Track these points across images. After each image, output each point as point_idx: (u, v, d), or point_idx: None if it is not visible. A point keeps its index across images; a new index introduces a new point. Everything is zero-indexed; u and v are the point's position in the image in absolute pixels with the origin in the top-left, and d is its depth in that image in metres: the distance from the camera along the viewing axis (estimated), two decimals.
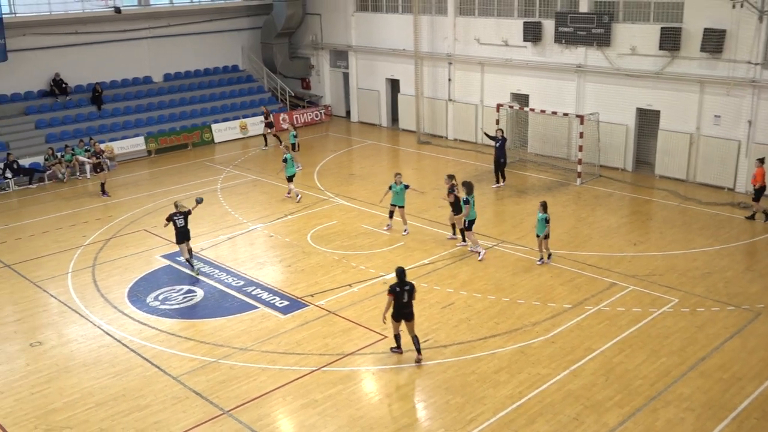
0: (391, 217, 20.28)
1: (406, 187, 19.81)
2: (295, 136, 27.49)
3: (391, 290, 13.12)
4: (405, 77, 32.73)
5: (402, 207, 19.92)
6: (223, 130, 32.62)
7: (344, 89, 36.57)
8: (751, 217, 20.62)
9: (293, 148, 26.99)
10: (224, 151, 30.59)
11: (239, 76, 36.68)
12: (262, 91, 36.58)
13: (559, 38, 26.51)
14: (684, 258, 18.00)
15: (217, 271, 18.20)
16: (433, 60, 31.39)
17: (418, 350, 13.50)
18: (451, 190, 18.96)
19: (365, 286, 16.97)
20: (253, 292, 16.88)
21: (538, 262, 17.85)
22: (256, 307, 16.13)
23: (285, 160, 23.52)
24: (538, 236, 17.74)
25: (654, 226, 20.48)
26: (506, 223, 20.67)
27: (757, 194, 20.46)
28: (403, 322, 13.38)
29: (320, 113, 36.06)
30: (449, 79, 31.01)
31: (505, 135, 24.75)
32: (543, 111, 26.19)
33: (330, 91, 37.17)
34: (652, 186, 24.00)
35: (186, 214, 17.85)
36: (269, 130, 30.89)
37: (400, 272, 13.17)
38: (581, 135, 24.37)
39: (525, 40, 27.49)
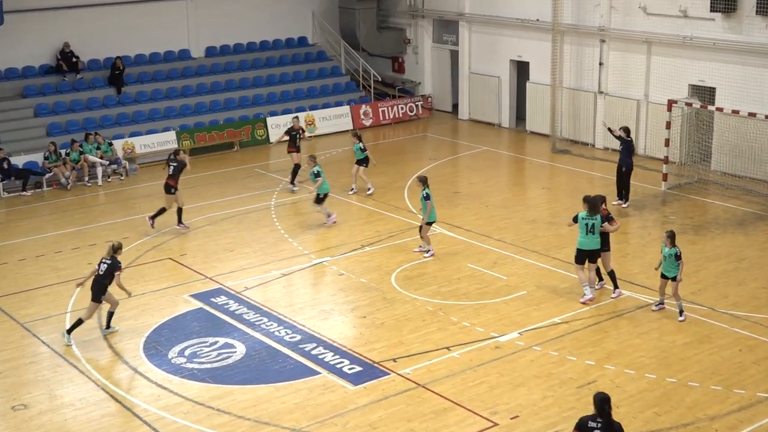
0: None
1: (427, 197, 20.89)
2: (363, 150, 26.10)
3: (580, 425, 11.39)
4: (537, 59, 32.63)
5: (428, 223, 21.24)
6: (282, 126, 33.19)
7: (451, 74, 36.75)
8: None
9: (363, 164, 26.22)
10: (283, 155, 31.08)
11: (307, 52, 37.37)
12: (338, 74, 37.12)
13: (764, 8, 25.93)
14: None
15: (265, 319, 18.41)
16: (579, 36, 31.17)
17: None
18: (608, 217, 18.75)
19: (469, 351, 16.84)
20: (313, 352, 16.99)
21: (655, 308, 18.33)
22: (317, 373, 16.23)
23: (317, 174, 23.25)
24: (665, 278, 17.94)
25: None
26: None
27: None
28: None
29: (416, 106, 36.31)
30: (600, 63, 30.73)
31: (630, 135, 24.74)
32: (736, 112, 25.63)
33: (431, 77, 37.41)
34: None
35: (113, 262, 17.46)
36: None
37: (600, 401, 11.32)
38: None
39: (713, 9, 27.06)
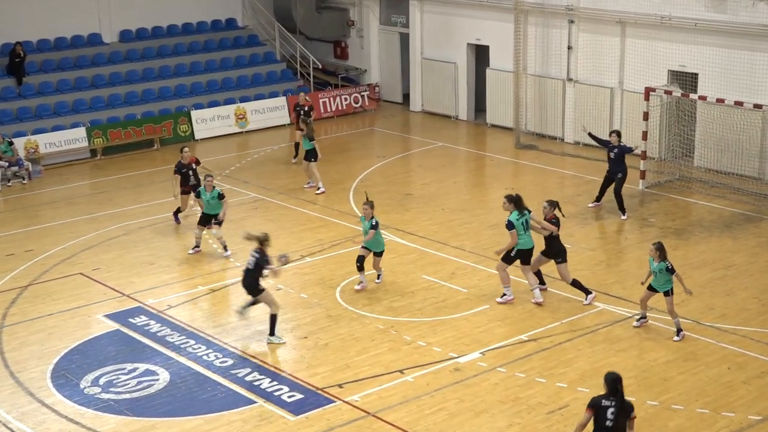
0: (360, 269, 20.32)
1: (374, 226, 19.89)
2: (311, 140, 26.24)
3: (594, 404, 12.49)
4: (498, 42, 32.81)
5: (378, 253, 20.34)
6: (208, 121, 33.12)
7: (401, 60, 36.85)
8: None
9: (310, 158, 26.36)
10: (210, 153, 30.93)
11: (237, 36, 37.27)
12: (273, 61, 37.06)
13: None
14: None
15: (192, 342, 18.31)
16: (545, 16, 31.41)
17: None
18: (553, 221, 19.01)
19: (425, 374, 16.87)
20: (248, 378, 16.94)
21: (636, 323, 18.40)
22: (252, 402, 16.16)
23: (198, 194, 22.64)
24: (653, 290, 17.86)
25: None
26: None
27: None
28: None
29: (362, 97, 36.37)
30: (569, 47, 30.97)
31: (622, 141, 24.53)
32: (721, 100, 25.93)
33: (379, 63, 37.50)
34: None
35: (260, 257, 17.91)
36: None
37: (612, 381, 12.56)
38: None
39: None
